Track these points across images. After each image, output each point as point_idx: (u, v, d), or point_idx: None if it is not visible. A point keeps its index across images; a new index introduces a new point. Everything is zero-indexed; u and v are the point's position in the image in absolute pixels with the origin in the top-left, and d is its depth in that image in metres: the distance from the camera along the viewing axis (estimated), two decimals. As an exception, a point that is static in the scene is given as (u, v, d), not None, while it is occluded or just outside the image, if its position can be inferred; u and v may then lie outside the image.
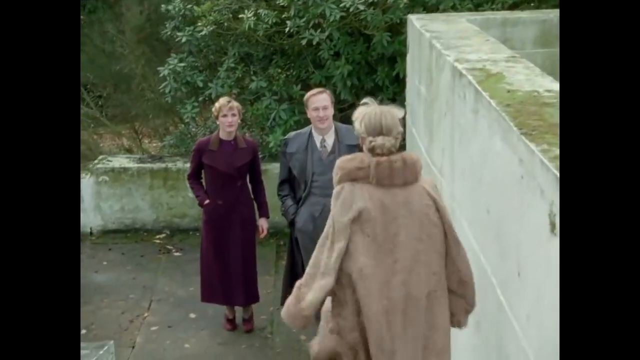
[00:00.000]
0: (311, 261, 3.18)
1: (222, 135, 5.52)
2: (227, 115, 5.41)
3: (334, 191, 3.25)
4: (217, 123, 5.57)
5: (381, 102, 3.41)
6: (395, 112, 3.32)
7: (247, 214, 5.62)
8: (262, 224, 5.67)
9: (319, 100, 5.14)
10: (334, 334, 3.19)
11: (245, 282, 5.66)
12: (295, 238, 5.43)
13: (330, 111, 5.18)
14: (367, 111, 3.31)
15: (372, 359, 3.12)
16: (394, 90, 7.37)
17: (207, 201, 5.54)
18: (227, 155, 5.47)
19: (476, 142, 3.58)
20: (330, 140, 5.20)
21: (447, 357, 3.26)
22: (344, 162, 3.28)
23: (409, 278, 3.12)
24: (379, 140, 3.21)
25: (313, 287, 3.11)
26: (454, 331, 4.18)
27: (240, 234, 5.57)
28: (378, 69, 7.39)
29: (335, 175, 3.27)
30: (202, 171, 5.64)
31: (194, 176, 5.65)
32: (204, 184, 5.66)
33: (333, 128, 5.21)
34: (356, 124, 3.32)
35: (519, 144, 2.77)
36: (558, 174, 2.31)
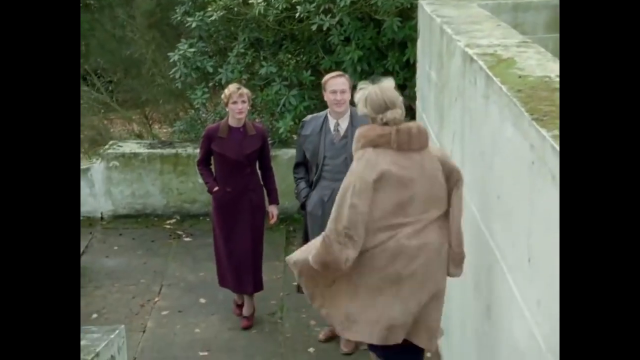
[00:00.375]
0: (334, 215, 3.55)
1: (232, 122, 5.47)
2: (237, 102, 5.36)
3: (357, 154, 3.61)
4: (227, 110, 5.54)
5: (372, 81, 3.72)
6: (390, 83, 3.72)
7: (257, 200, 5.59)
8: (272, 210, 5.64)
9: (337, 84, 5.11)
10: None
11: (254, 270, 5.65)
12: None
13: (348, 95, 5.12)
14: (366, 93, 3.67)
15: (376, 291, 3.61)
16: (404, 76, 7.34)
17: (216, 188, 5.51)
18: (236, 143, 5.43)
19: (487, 128, 3.57)
20: (344, 124, 5.18)
21: (443, 300, 3.79)
22: (365, 130, 3.65)
23: (422, 230, 3.59)
24: (389, 114, 3.61)
25: (349, 246, 3.52)
26: (464, 318, 4.18)
27: (249, 221, 5.55)
28: (388, 55, 7.36)
29: (357, 142, 3.63)
30: (212, 157, 5.63)
31: (204, 162, 5.63)
32: (213, 170, 5.65)
33: (348, 112, 5.18)
34: (361, 108, 3.70)
35: (530, 130, 2.76)
36: (558, 150, 2.30)
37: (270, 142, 7.40)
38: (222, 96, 5.50)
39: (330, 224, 3.57)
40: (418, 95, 6.19)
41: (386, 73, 7.40)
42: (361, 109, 3.70)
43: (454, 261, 3.72)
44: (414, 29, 6.73)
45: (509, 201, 3.15)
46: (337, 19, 7.08)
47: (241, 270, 5.61)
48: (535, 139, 2.69)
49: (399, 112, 3.62)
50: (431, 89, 5.36)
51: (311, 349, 5.35)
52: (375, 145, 3.57)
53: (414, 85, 6.53)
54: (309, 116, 5.48)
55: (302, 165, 5.41)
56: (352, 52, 7.19)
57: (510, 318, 3.12)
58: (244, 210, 5.53)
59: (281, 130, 7.36)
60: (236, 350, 5.39)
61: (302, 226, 5.54)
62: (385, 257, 3.59)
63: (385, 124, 3.60)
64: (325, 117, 5.28)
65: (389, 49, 7.39)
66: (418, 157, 3.62)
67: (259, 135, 5.52)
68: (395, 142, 3.57)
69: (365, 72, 7.38)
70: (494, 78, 3.38)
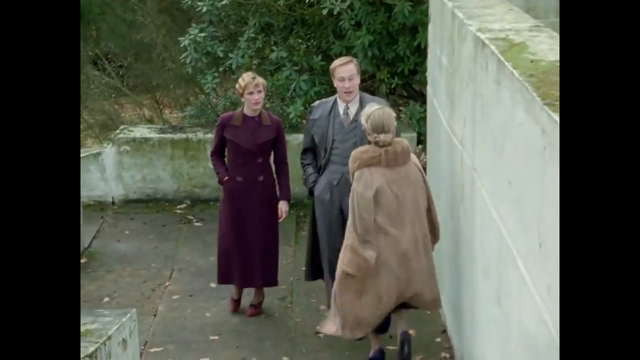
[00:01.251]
0: (350, 226, 4.51)
1: (247, 111, 5.40)
2: (253, 93, 5.28)
3: (355, 175, 4.51)
4: (242, 100, 5.45)
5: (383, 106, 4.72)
6: (392, 112, 4.66)
7: (268, 193, 5.46)
8: (282, 206, 5.49)
9: (345, 71, 5.07)
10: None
11: (264, 263, 5.49)
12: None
13: (356, 81, 5.14)
14: (372, 112, 4.57)
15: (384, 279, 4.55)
16: (415, 61, 7.31)
17: (226, 178, 5.43)
18: (250, 131, 5.36)
19: (498, 113, 3.55)
20: (353, 108, 5.14)
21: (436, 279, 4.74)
22: (359, 153, 4.56)
23: (412, 228, 4.55)
24: (382, 137, 4.53)
25: (368, 247, 4.47)
26: (475, 304, 4.18)
27: (259, 213, 5.42)
28: (399, 39, 7.32)
29: (354, 163, 4.53)
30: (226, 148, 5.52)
31: (218, 153, 5.53)
32: (226, 161, 5.56)
33: (358, 97, 5.16)
34: (363, 122, 4.58)
35: (541, 115, 2.74)
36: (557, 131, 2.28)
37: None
38: (237, 86, 5.41)
39: (349, 234, 4.53)
40: (429, 80, 6.16)
41: (397, 58, 7.39)
42: (363, 123, 4.59)
43: (433, 243, 4.74)
44: (425, 13, 6.69)
45: (520, 187, 3.14)
46: (347, 3, 7.04)
47: (250, 264, 5.46)
48: (547, 124, 2.68)
49: (390, 136, 4.54)
50: (442, 74, 5.34)
51: (321, 334, 5.37)
52: (369, 165, 4.50)
53: (425, 70, 6.50)
54: (318, 101, 5.44)
55: (310, 151, 5.38)
56: (363, 37, 7.16)
57: (521, 304, 3.11)
58: (254, 202, 5.42)
59: (291, 116, 7.35)
60: (246, 334, 5.42)
61: (311, 212, 5.49)
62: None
63: (376, 142, 4.51)
64: (335, 101, 5.25)
65: (400, 34, 7.36)
66: (403, 170, 4.56)
67: (274, 126, 5.44)
68: (384, 161, 4.51)
69: (375, 57, 7.36)
70: (506, 63, 3.36)
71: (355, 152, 4.57)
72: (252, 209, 5.44)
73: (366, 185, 4.46)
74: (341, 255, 4.63)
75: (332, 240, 5.17)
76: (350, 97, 5.13)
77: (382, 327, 4.87)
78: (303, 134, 5.53)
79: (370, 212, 4.44)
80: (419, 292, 4.64)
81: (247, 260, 5.47)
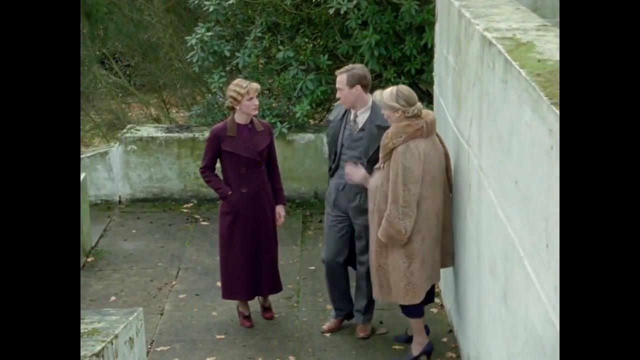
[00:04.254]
0: (392, 197, 4.52)
1: (239, 119, 5.21)
2: (252, 98, 5.14)
3: (400, 148, 4.49)
4: (237, 107, 5.19)
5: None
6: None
7: (270, 199, 5.36)
8: (279, 210, 5.39)
9: (337, 81, 5.00)
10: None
11: (271, 272, 5.43)
12: None
13: (344, 93, 4.94)
14: (395, 89, 4.58)
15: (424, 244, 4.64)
16: (421, 60, 7.31)
17: (230, 192, 5.25)
18: (247, 140, 5.20)
19: (505, 112, 3.54)
20: (362, 117, 5.00)
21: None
22: (402, 127, 4.53)
23: (443, 192, 4.71)
24: (419, 106, 4.57)
25: (406, 220, 4.51)
26: (480, 303, 4.18)
27: (265, 220, 5.31)
28: (406, 39, 7.32)
29: (398, 137, 4.51)
30: (218, 160, 5.30)
31: (210, 168, 5.30)
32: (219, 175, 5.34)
33: (369, 104, 4.98)
34: (390, 102, 4.55)
35: (548, 114, 2.74)
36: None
37: (287, 126, 7.45)
38: (234, 94, 5.14)
39: (390, 205, 4.51)
40: (435, 79, 6.16)
41: (403, 57, 7.38)
42: (388, 101, 4.54)
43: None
44: (432, 12, 6.68)
45: (527, 186, 3.14)
46: (354, 2, 7.04)
47: (260, 273, 5.38)
48: (553, 124, 2.67)
49: (420, 105, 4.58)
50: (449, 73, 5.33)
51: (327, 334, 5.37)
52: (413, 138, 4.50)
53: (432, 70, 6.49)
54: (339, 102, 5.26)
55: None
56: (370, 37, 7.15)
57: (527, 303, 3.11)
58: (263, 210, 5.31)
59: (298, 115, 7.35)
60: (253, 333, 5.43)
61: (320, 211, 5.52)
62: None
63: (417, 115, 4.53)
64: None
65: (407, 33, 7.35)
66: (432, 138, 4.62)
67: (267, 131, 5.32)
68: (426, 131, 4.55)
69: (382, 56, 7.35)
70: (513, 62, 3.36)
71: (397, 127, 4.54)
72: (263, 218, 5.30)
73: (414, 157, 4.47)
74: (372, 221, 4.69)
75: (330, 244, 5.21)
76: (345, 106, 5.04)
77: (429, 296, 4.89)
78: (310, 133, 5.51)
79: (418, 184, 4.48)
80: (451, 251, 4.88)
81: (256, 273, 5.37)
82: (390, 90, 4.58)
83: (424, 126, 4.52)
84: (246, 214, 5.27)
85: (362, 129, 4.99)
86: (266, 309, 5.61)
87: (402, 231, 4.52)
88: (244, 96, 5.12)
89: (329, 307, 5.59)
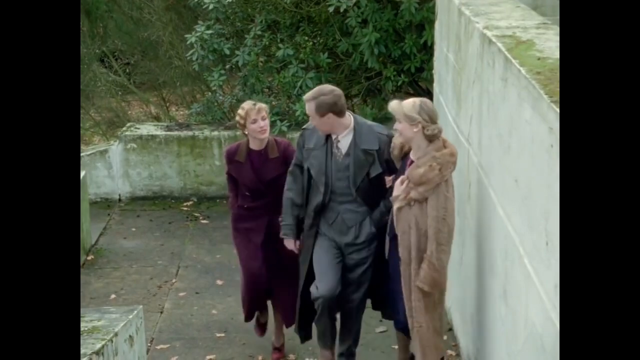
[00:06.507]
0: (435, 237, 3.87)
1: (252, 144, 4.75)
2: (257, 120, 4.62)
3: (448, 182, 3.89)
4: (245, 133, 4.72)
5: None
6: None
7: (276, 228, 4.71)
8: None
9: (307, 108, 4.35)
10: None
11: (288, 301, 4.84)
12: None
13: (316, 122, 4.27)
14: (416, 100, 3.93)
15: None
16: (421, 58, 7.30)
17: (236, 204, 4.89)
18: (254, 169, 4.73)
19: (505, 111, 3.54)
20: (345, 141, 4.31)
21: None
22: (448, 156, 3.90)
23: None
24: (439, 126, 3.93)
25: (444, 259, 3.91)
26: (482, 302, 4.18)
27: (263, 244, 4.81)
28: (406, 37, 7.31)
29: (447, 170, 3.88)
30: None
31: (233, 189, 4.90)
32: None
33: (351, 126, 4.30)
34: (411, 113, 3.87)
35: (548, 112, 2.73)
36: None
37: (287, 124, 7.44)
38: (237, 118, 4.73)
39: (434, 245, 3.88)
40: (435, 77, 6.15)
41: (403, 55, 7.38)
42: (409, 111, 3.88)
43: None
44: (432, 10, 6.67)
45: (527, 184, 3.14)
46: (354, 0, 7.04)
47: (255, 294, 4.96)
48: (553, 122, 2.67)
49: (441, 126, 3.98)
50: (449, 72, 5.33)
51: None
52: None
53: (431, 68, 6.49)
54: (310, 123, 4.44)
55: (294, 177, 4.54)
56: (370, 35, 7.15)
57: (527, 302, 3.11)
58: (259, 233, 4.82)
59: (298, 113, 7.35)
60: (253, 331, 5.42)
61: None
62: None
63: (436, 134, 3.90)
64: None
65: (407, 31, 7.35)
66: None
67: (282, 158, 4.71)
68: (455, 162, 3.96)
69: (382, 54, 7.35)
70: (513, 60, 3.35)
71: (444, 157, 3.90)
72: (255, 240, 4.87)
73: (450, 187, 3.94)
74: (406, 274, 4.02)
75: (326, 273, 4.42)
76: (321, 132, 4.33)
77: None
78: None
79: (454, 214, 3.97)
80: None
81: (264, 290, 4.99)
82: (413, 100, 3.96)
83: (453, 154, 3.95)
84: (247, 229, 4.85)
85: (347, 155, 4.31)
86: (276, 348, 5.11)
87: (445, 270, 3.95)
88: (247, 119, 4.64)
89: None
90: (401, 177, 4.02)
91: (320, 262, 4.44)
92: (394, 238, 4.15)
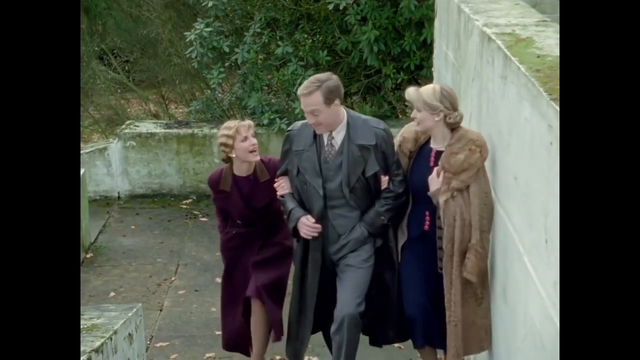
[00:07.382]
0: (479, 226, 3.63)
1: (237, 169, 4.29)
2: (247, 138, 4.19)
3: (483, 171, 3.66)
4: (231, 155, 4.24)
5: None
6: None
7: (270, 252, 4.41)
8: None
9: (305, 105, 3.89)
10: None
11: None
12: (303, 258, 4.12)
13: (324, 115, 3.84)
14: (435, 87, 3.73)
15: None
16: (421, 56, 7.31)
17: (225, 231, 4.50)
18: (243, 197, 4.30)
19: (504, 108, 3.54)
20: (338, 137, 3.93)
21: None
22: (484, 151, 3.66)
23: None
24: (461, 112, 3.72)
25: (487, 248, 3.69)
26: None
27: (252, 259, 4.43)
28: (405, 34, 7.32)
29: (486, 151, 3.66)
30: None
31: (223, 220, 4.49)
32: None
33: (344, 121, 3.92)
34: (432, 101, 3.65)
35: (548, 110, 2.73)
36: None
37: (286, 122, 7.44)
38: (223, 139, 4.22)
39: (478, 233, 3.65)
40: (435, 75, 6.15)
41: (403, 53, 7.38)
42: (429, 99, 3.66)
43: None
44: (431, 8, 6.68)
45: (526, 182, 3.14)
46: (353, -2, 7.04)
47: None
48: (553, 120, 2.67)
49: (462, 112, 3.78)
50: (448, 69, 5.33)
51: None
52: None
53: (431, 66, 6.49)
54: (297, 124, 4.10)
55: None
56: (369, 32, 7.15)
57: (527, 299, 3.11)
58: (250, 255, 4.44)
59: (297, 111, 7.35)
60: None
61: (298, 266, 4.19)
62: None
63: (458, 122, 3.71)
64: None
65: (406, 29, 7.35)
66: None
67: (274, 179, 4.16)
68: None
69: (381, 52, 7.35)
70: (512, 58, 3.35)
71: (481, 138, 3.70)
72: (245, 261, 4.50)
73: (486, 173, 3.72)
74: (448, 267, 3.73)
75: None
76: (321, 131, 3.94)
77: None
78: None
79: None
80: None
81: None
82: (432, 87, 3.72)
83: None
84: (236, 261, 4.47)
85: (340, 152, 3.92)
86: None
87: (487, 260, 3.71)
88: (235, 138, 4.19)
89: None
90: (436, 169, 3.71)
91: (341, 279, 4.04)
92: (410, 243, 3.92)
